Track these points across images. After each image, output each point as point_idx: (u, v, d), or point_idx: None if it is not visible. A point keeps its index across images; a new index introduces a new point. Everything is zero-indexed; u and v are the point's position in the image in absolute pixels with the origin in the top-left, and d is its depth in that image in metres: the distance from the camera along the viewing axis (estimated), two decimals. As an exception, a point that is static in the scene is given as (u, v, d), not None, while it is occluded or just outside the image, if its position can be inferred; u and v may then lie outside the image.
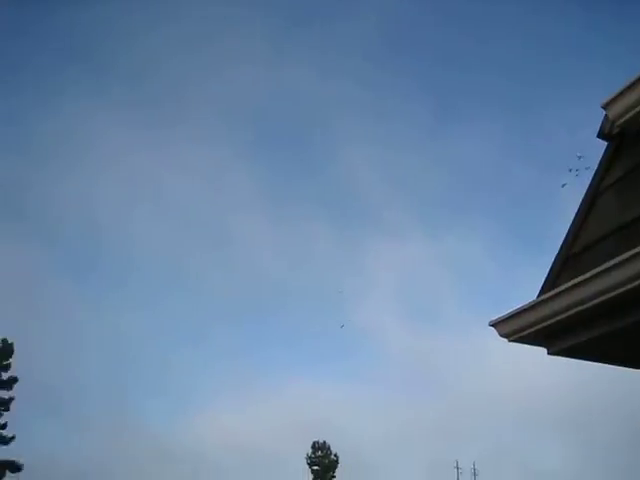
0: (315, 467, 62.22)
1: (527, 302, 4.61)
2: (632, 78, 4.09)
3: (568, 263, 4.67)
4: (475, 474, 78.69)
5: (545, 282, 4.79)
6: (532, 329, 4.58)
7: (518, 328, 4.67)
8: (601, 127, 4.68)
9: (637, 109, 4.12)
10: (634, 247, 3.71)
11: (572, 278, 4.23)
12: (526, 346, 4.86)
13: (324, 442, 63.72)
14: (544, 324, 4.47)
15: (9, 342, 39.60)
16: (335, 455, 62.92)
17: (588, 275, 4.04)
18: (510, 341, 4.80)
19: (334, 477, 61.81)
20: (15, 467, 37.18)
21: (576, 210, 4.76)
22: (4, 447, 37.59)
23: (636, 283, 3.73)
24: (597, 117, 4.67)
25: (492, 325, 4.88)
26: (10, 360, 39.13)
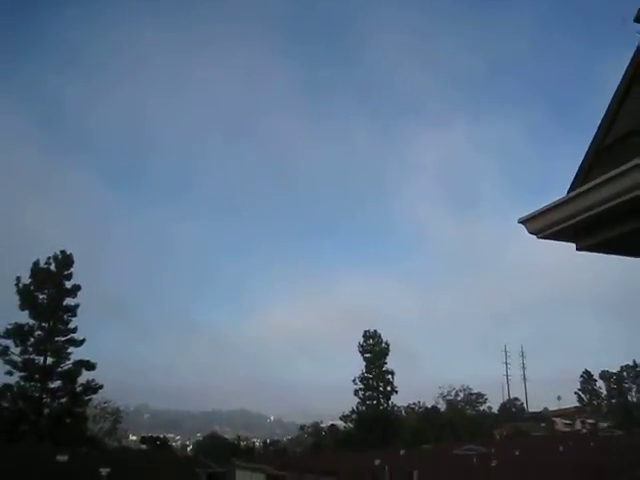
0: (367, 355, 64.88)
1: (557, 198, 4.51)
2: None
3: (600, 157, 4.49)
4: (523, 355, 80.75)
5: (576, 177, 4.65)
6: (561, 225, 4.50)
7: (548, 225, 4.60)
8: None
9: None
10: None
11: (603, 173, 4.08)
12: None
13: (375, 331, 66.01)
14: (574, 220, 4.39)
15: (68, 253, 41.58)
16: (386, 343, 65.32)
17: (619, 170, 3.89)
18: (539, 238, 4.75)
19: (386, 364, 64.54)
20: (89, 365, 40.20)
21: (610, 99, 4.51)
22: (77, 349, 40.52)
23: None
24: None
25: (522, 222, 4.82)
26: (71, 270, 41.27)
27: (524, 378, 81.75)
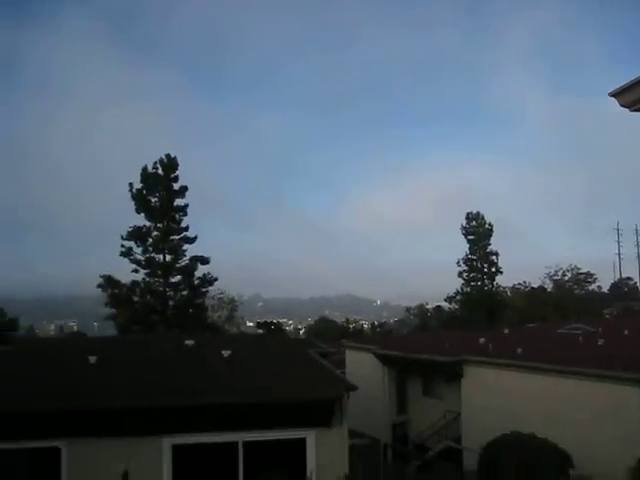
0: (470, 236, 64.52)
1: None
2: None
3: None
4: (638, 234, 76.67)
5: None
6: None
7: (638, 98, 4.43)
8: None
9: None
10: None
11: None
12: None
13: (477, 212, 65.05)
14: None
15: (172, 156, 43.50)
16: (489, 224, 64.41)
17: None
18: (632, 111, 4.58)
19: (489, 245, 64.03)
20: (204, 260, 43.12)
21: None
22: (191, 245, 43.40)
23: None
24: None
25: (612, 95, 4.65)
26: (177, 172, 43.33)
27: (638, 257, 78.26)
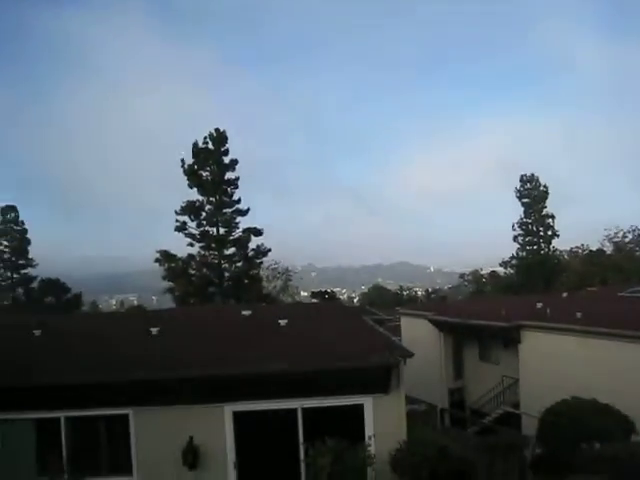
0: (525, 200, 63.04)
1: None
2: None
3: None
4: None
5: None
6: None
7: None
8: None
9: None
10: None
11: None
12: None
13: (532, 174, 63.36)
14: None
15: (221, 130, 43.93)
16: (544, 186, 62.72)
17: None
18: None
19: (545, 207, 62.42)
20: (257, 232, 43.73)
21: None
22: (243, 218, 44.05)
23: None
24: None
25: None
26: (227, 146, 43.79)
27: None
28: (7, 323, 21.47)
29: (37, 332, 16.89)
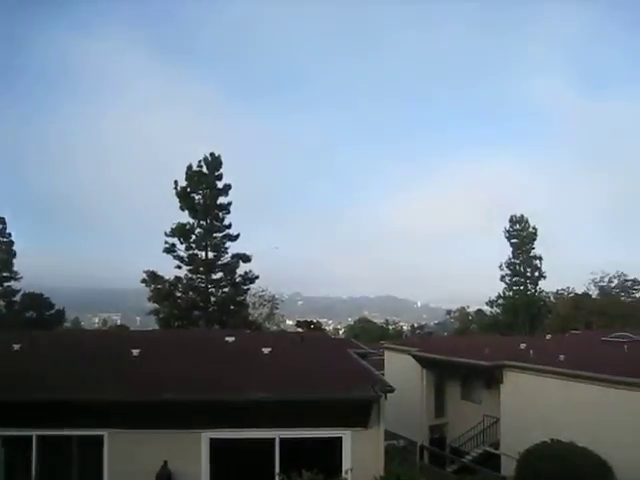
0: (514, 240, 63.45)
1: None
2: None
3: None
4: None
5: None
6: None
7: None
8: None
9: None
10: None
11: None
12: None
13: (521, 215, 63.86)
14: None
15: (216, 155, 44.17)
16: (533, 228, 63.19)
17: None
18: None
19: (533, 249, 62.83)
20: (246, 258, 43.67)
21: None
22: (233, 243, 44.00)
23: None
24: None
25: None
26: (221, 170, 43.98)
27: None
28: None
29: (16, 347, 16.69)
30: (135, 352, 16.11)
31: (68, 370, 14.75)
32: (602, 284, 65.32)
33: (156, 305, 42.70)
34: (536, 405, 22.00)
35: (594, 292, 64.73)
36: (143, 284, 42.35)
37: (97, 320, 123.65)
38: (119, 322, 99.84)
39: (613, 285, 65.66)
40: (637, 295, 67.19)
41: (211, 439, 13.20)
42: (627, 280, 66.17)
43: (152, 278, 42.05)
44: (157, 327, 42.61)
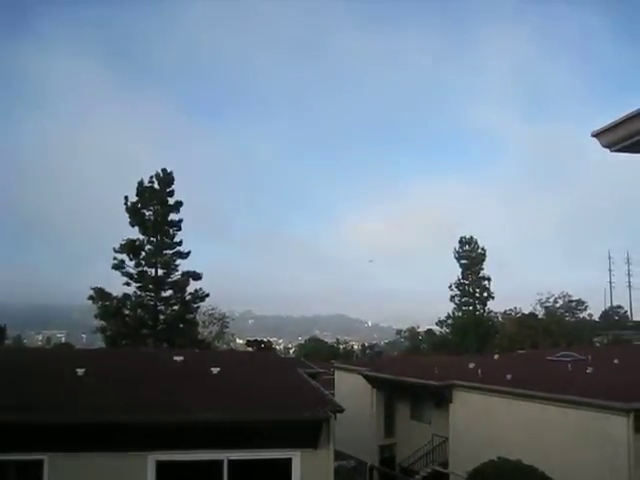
0: (463, 261, 64.77)
1: (632, 110, 4.47)
2: None
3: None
4: (629, 262, 77.24)
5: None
6: (636, 138, 4.48)
7: (621, 138, 4.59)
8: None
9: None
10: None
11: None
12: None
13: (471, 237, 65.40)
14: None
15: (168, 171, 43.68)
16: (482, 249, 64.75)
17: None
18: (612, 151, 4.75)
19: (482, 270, 64.28)
20: (196, 276, 43.11)
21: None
22: (183, 261, 43.40)
23: None
24: None
25: (594, 136, 4.82)
26: (173, 187, 43.48)
27: (629, 285, 78.81)
28: None
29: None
30: (80, 371, 15.64)
31: (6, 390, 14.17)
32: (548, 304, 67.22)
33: (103, 323, 41.57)
34: (484, 424, 22.35)
35: (540, 312, 66.54)
36: (90, 301, 41.24)
37: (41, 338, 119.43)
38: (64, 340, 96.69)
39: (558, 305, 67.62)
40: (581, 315, 69.46)
41: (157, 462, 12.86)
42: (572, 301, 68.33)
43: (99, 295, 40.98)
44: (104, 345, 41.46)
